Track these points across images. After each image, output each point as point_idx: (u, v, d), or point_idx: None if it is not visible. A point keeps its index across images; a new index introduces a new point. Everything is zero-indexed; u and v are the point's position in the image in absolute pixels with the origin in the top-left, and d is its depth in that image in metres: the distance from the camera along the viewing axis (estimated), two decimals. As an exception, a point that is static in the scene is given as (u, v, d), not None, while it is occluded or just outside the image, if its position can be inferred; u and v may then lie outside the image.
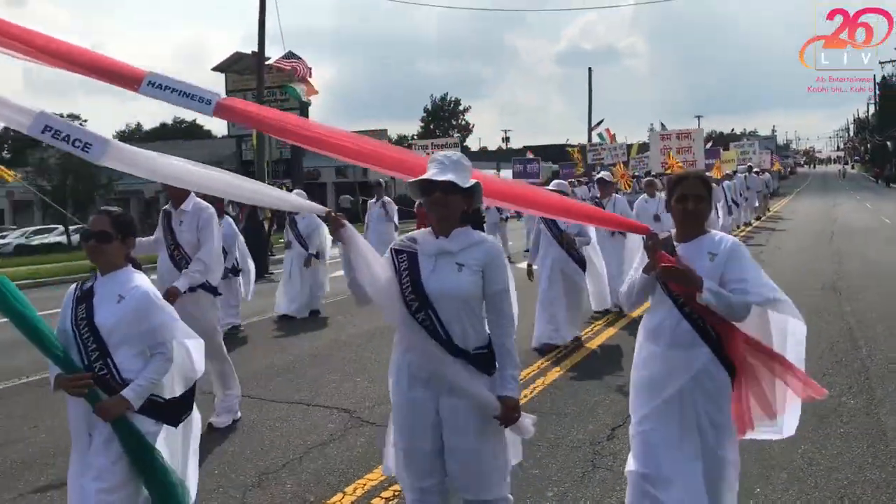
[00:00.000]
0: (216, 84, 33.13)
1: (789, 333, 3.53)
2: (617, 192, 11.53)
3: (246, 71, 28.60)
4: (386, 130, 51.46)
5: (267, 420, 6.21)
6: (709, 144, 24.31)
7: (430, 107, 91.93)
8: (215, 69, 31.58)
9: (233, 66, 30.39)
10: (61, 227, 36.21)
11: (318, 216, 7.14)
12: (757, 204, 25.22)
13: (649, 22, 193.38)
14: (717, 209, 15.99)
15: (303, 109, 31.15)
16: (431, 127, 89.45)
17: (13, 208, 51.31)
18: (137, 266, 3.54)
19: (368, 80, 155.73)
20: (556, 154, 53.49)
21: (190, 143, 54.45)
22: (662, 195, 12.62)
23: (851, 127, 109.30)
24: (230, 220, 9.68)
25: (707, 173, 16.62)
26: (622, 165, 17.40)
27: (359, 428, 5.90)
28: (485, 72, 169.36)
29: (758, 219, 25.84)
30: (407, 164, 3.26)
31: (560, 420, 5.95)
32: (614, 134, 34.36)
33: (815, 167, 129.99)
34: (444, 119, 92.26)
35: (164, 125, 79.02)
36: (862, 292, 11.44)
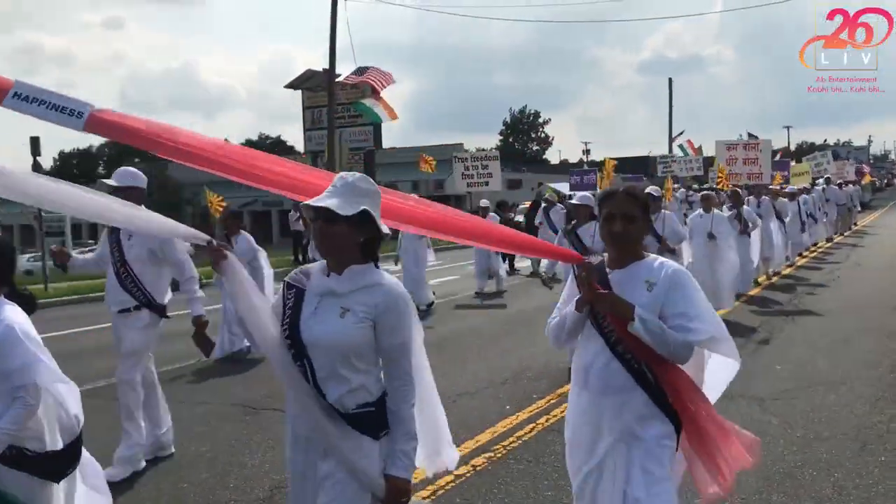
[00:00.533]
0: (293, 101, 34.07)
1: (720, 371, 3.21)
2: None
3: (318, 88, 29.28)
4: (462, 144, 51.68)
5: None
6: (777, 156, 23.36)
7: (508, 119, 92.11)
8: (288, 86, 32.48)
9: (305, 84, 31.17)
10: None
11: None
12: (837, 218, 23.85)
13: (736, 29, 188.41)
14: (782, 223, 15.36)
15: (377, 129, 31.64)
16: (511, 140, 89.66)
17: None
18: (23, 297, 3.24)
19: (446, 93, 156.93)
20: (637, 165, 52.84)
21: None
22: (725, 210, 12.22)
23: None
24: (248, 235, 9.57)
25: (772, 186, 16.00)
26: (671, 179, 16.77)
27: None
28: (564, 83, 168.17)
29: (841, 234, 24.54)
30: (304, 185, 2.80)
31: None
32: (699, 146, 33.46)
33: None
34: (522, 132, 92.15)
35: (249, 140, 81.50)
36: (939, 311, 10.81)
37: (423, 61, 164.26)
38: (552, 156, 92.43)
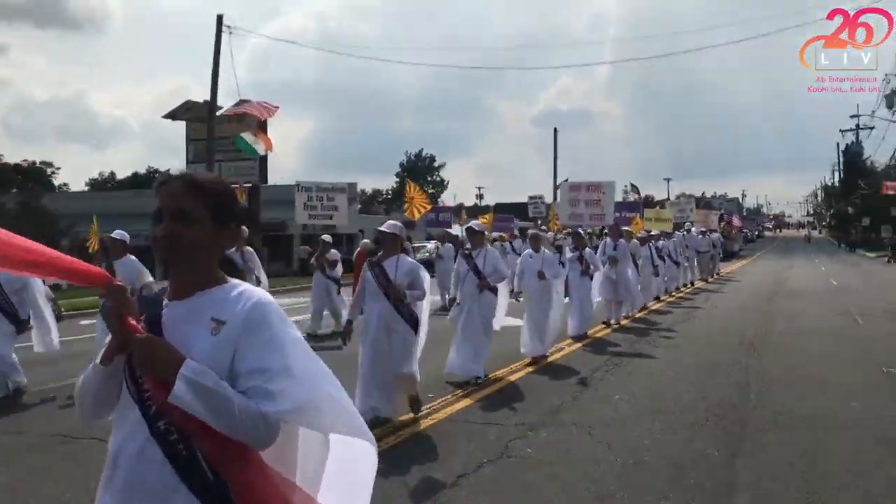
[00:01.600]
0: (177, 131, 33.15)
1: (350, 462, 2.12)
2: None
3: (196, 119, 28.71)
4: (356, 184, 51.65)
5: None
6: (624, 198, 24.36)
7: (405, 162, 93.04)
8: (166, 116, 31.73)
9: (184, 114, 30.52)
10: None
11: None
12: (696, 264, 24.67)
13: (625, 85, 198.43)
14: (636, 266, 15.84)
15: (262, 162, 31.20)
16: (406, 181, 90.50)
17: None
18: None
19: (345, 135, 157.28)
20: (522, 210, 54.36)
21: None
22: (567, 250, 12.72)
23: (819, 193, 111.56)
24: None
25: (625, 228, 16.58)
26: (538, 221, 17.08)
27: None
28: (462, 130, 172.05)
29: (704, 280, 25.65)
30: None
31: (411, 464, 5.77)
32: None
33: (781, 231, 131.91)
34: (419, 174, 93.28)
35: (136, 174, 78.84)
36: (776, 349, 11.43)
37: (324, 102, 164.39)
38: (447, 199, 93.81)
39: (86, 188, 78.97)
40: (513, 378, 9.25)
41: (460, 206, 30.79)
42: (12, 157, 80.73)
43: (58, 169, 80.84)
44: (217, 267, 2.08)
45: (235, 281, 2.10)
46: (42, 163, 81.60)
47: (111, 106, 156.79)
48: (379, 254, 7.21)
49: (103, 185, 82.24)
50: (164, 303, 2.05)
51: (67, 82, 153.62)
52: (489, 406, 7.76)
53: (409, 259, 7.24)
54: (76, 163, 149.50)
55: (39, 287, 8.90)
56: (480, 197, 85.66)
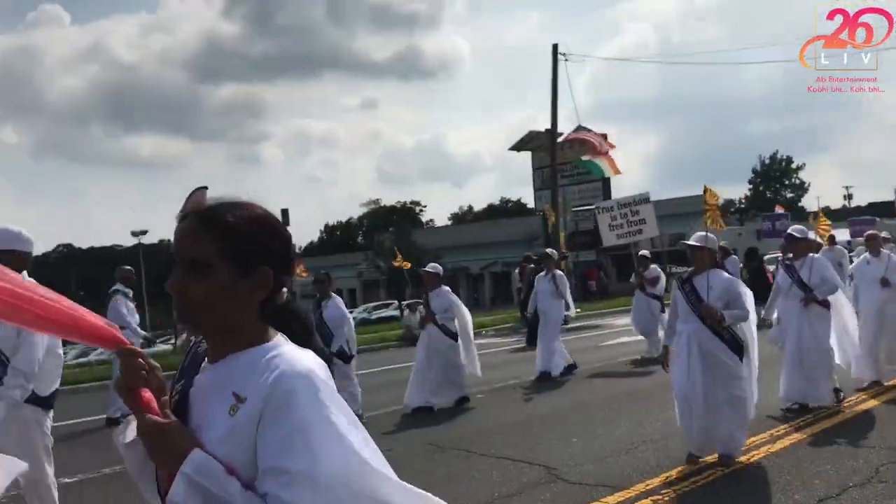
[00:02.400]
0: (526, 162, 35.10)
1: None
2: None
3: (540, 148, 30.08)
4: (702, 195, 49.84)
5: (469, 471, 6.57)
6: None
7: (758, 167, 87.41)
8: (512, 148, 33.68)
9: (527, 145, 32.14)
10: (397, 302, 40.45)
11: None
12: None
13: None
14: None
15: (605, 184, 31.74)
16: (762, 188, 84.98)
17: (363, 287, 58.38)
18: None
19: (688, 146, 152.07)
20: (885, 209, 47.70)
21: (511, 220, 57.86)
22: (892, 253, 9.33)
23: None
24: (338, 300, 9.43)
25: None
26: (822, 213, 13.99)
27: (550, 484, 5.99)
28: (822, 125, 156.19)
29: None
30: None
31: None
32: None
33: None
34: (774, 179, 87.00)
35: (490, 205, 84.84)
36: None
37: (666, 114, 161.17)
38: (809, 202, 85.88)
39: (448, 222, 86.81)
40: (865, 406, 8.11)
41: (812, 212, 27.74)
42: (388, 200, 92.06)
43: (424, 207, 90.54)
44: (253, 321, 1.58)
45: (277, 340, 1.58)
46: (412, 202, 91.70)
47: (466, 144, 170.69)
48: (690, 269, 6.52)
49: (463, 218, 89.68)
50: (203, 365, 1.63)
51: (428, 127, 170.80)
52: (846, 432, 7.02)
53: (724, 274, 6.39)
54: (440, 200, 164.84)
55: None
56: (849, 197, 77.19)
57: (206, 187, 1.61)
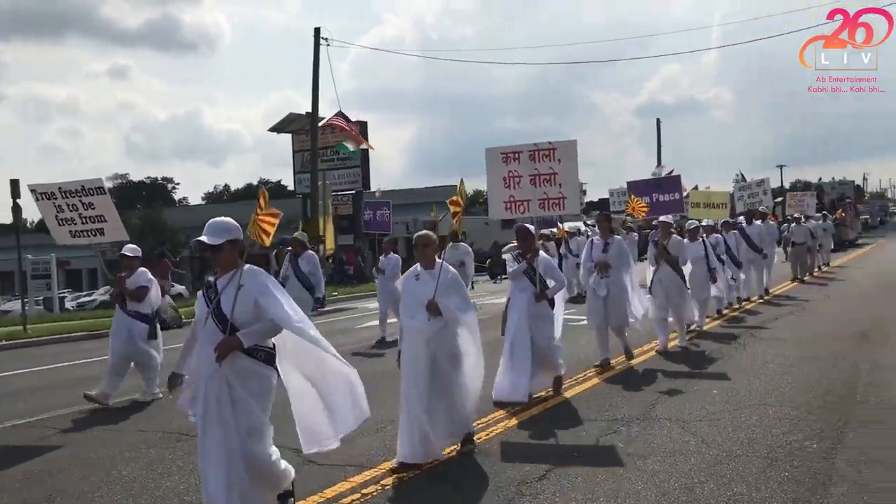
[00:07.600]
0: (287, 143, 34.63)
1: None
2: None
3: (300, 131, 29.81)
4: (456, 187, 52.06)
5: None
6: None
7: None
8: (271, 130, 33.12)
9: (288, 127, 31.75)
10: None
11: None
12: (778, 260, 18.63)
13: (731, 71, 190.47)
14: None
15: (364, 157, 32.05)
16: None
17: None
18: None
19: (446, 138, 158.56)
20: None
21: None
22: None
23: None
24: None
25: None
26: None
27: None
28: (563, 127, 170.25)
29: (800, 280, 20.79)
30: None
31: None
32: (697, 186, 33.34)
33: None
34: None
35: (249, 185, 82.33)
36: (892, 339, 10.90)
37: (424, 107, 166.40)
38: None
39: (202, 201, 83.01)
40: (602, 378, 9.25)
41: None
42: (138, 176, 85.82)
43: (178, 185, 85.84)
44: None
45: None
46: (163, 178, 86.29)
47: (225, 122, 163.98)
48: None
49: (219, 198, 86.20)
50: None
51: (184, 101, 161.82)
52: (579, 403, 7.82)
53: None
54: (195, 178, 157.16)
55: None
56: (583, 192, 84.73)
57: None
